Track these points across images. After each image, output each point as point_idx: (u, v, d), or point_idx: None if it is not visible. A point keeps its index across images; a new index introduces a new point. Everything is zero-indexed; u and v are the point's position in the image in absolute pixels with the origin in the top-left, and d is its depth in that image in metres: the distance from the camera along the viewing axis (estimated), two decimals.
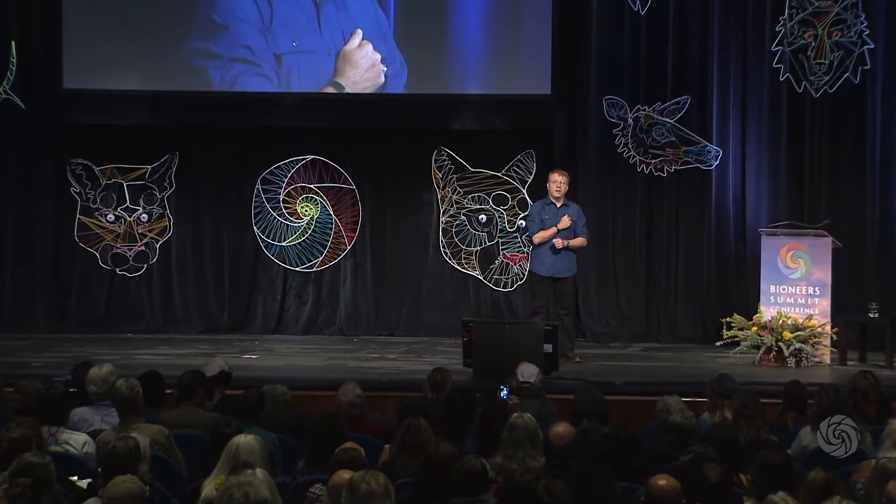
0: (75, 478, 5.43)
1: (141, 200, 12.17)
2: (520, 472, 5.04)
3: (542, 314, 9.94)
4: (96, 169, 12.14)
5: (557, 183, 10.09)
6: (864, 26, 11.34)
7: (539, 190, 11.91)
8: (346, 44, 11.78)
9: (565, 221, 9.99)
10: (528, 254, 11.97)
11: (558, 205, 10.11)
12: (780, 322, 10.11)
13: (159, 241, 12.20)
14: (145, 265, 12.19)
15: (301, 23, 11.77)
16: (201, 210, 12.24)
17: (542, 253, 10.10)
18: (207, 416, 6.64)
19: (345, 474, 4.83)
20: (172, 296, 12.19)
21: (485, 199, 12.13)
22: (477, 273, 12.13)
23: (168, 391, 7.19)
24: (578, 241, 10.10)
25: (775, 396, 7.45)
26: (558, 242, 9.96)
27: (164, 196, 12.19)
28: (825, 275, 10.28)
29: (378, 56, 11.76)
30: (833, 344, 10.21)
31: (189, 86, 11.79)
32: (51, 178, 12.03)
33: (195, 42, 11.74)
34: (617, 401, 7.96)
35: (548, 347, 9.01)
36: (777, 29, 11.46)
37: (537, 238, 10.08)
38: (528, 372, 7.38)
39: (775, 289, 10.40)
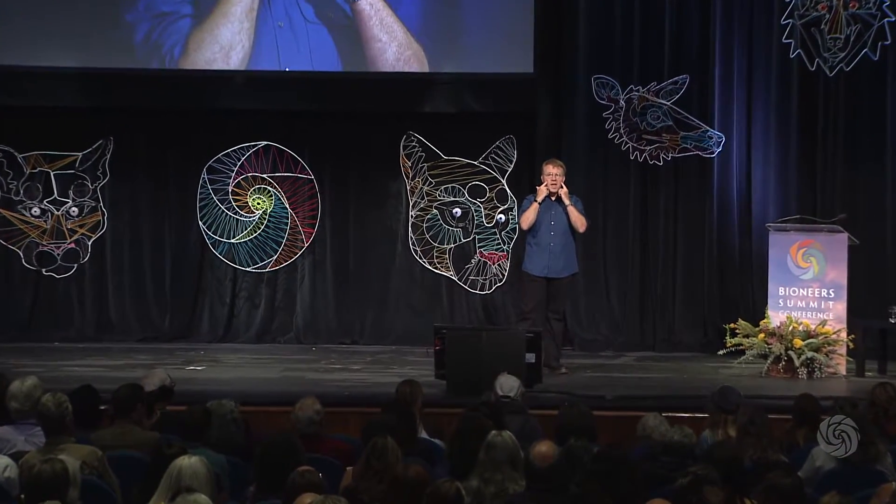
0: None
1: (70, 192, 12.12)
2: (489, 497, 5.03)
3: (531, 320, 9.94)
4: (19, 156, 12.07)
5: (552, 176, 10.10)
6: None
7: (519, 180, 11.96)
8: None
9: (564, 192, 9.95)
10: (507, 252, 12.01)
11: (553, 199, 10.11)
12: (790, 328, 10.16)
13: (91, 237, 12.15)
14: (75, 265, 12.14)
15: None
16: (139, 202, 12.20)
17: (536, 250, 10.13)
18: (146, 435, 6.62)
19: (306, 499, 4.83)
20: (107, 300, 12.14)
21: (459, 190, 12.13)
22: (451, 273, 12.13)
23: (102, 407, 7.15)
24: (578, 215, 10.05)
25: (785, 412, 7.49)
26: (557, 185, 9.93)
27: (96, 187, 12.13)
28: (840, 275, 10.33)
29: None
30: (849, 353, 10.27)
31: (126, 62, 11.74)
32: None
33: (128, 13, 11.72)
34: (607, 417, 8.00)
35: (530, 357, 9.02)
36: None
37: (524, 221, 10.11)
38: (508, 385, 7.39)
39: (785, 291, 10.45)
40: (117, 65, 11.73)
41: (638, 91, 11.74)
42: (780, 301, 10.43)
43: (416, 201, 12.14)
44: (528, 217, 10.08)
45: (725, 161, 11.69)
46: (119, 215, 12.17)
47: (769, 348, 10.18)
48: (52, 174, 12.11)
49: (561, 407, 7.11)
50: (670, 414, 7.38)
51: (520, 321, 10.23)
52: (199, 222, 12.16)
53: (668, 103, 11.71)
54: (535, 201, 10.03)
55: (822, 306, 10.35)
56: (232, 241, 12.18)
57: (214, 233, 12.17)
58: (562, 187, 10.03)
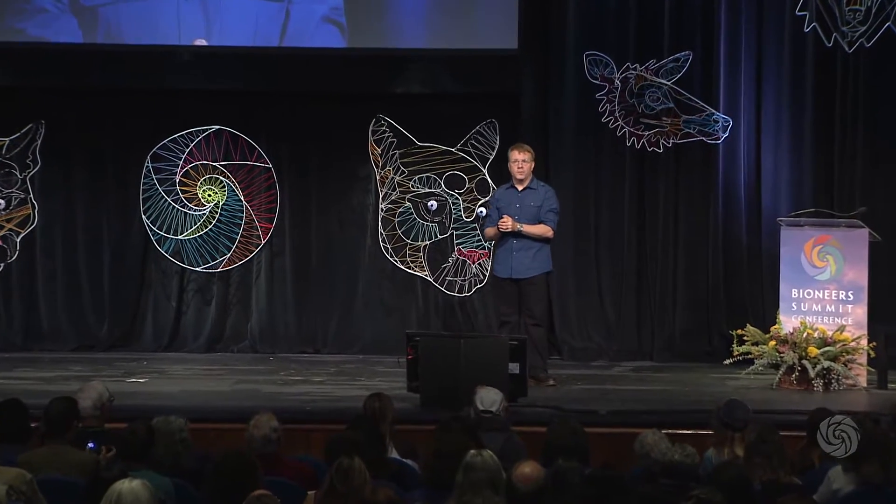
0: None
1: None
2: None
3: (510, 324, 10.00)
4: None
5: (518, 162, 10.11)
6: None
7: (502, 169, 11.94)
8: None
9: (506, 223, 9.97)
10: (488, 249, 12.03)
11: (520, 188, 10.12)
12: (805, 335, 10.19)
13: (20, 233, 12.12)
14: (2, 264, 12.12)
15: None
16: (74, 194, 12.18)
17: (499, 250, 10.20)
18: (81, 456, 6.61)
19: None
20: (37, 303, 12.13)
21: (435, 180, 12.14)
22: (425, 274, 12.14)
23: (32, 425, 7.14)
24: (535, 230, 10.05)
25: (798, 428, 7.51)
26: (505, 223, 9.97)
27: (25, 176, 12.10)
28: (860, 276, 10.37)
29: None
30: (870, 362, 10.31)
31: (57, 36, 11.70)
32: None
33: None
34: (600, 434, 8.02)
35: (514, 367, 9.04)
36: None
37: (485, 236, 10.23)
38: (489, 398, 7.39)
39: (798, 293, 10.48)
40: (47, 38, 11.69)
41: (635, 69, 11.76)
42: (793, 304, 10.46)
43: (386, 193, 12.14)
44: (488, 235, 10.31)
45: (732, 148, 11.73)
46: (51, 209, 12.14)
47: (781, 357, 10.21)
48: None
49: (548, 423, 7.12)
50: (671, 431, 7.37)
51: (501, 326, 10.24)
52: (143, 216, 12.14)
53: (669, 83, 11.74)
54: (498, 228, 10.04)
55: (840, 310, 10.38)
56: (179, 237, 12.16)
57: (160, 228, 12.15)
58: (514, 220, 10.00)
